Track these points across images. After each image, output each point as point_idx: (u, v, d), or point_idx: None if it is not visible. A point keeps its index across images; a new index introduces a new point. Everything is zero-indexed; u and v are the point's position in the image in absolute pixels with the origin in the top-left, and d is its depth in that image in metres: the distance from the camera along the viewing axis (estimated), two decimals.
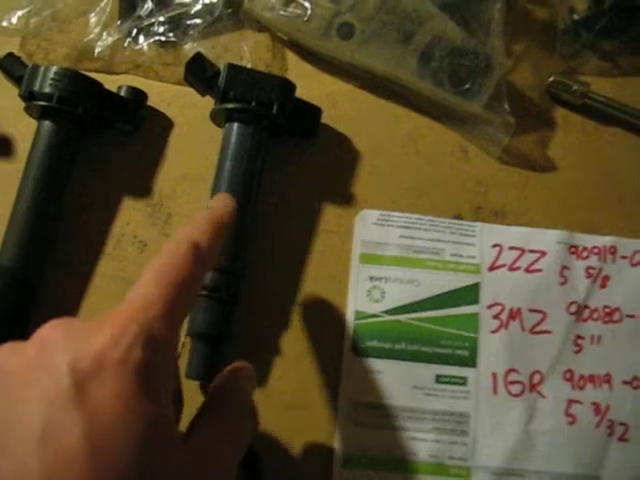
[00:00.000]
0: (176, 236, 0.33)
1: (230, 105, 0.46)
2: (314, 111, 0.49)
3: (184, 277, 0.30)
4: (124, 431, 0.25)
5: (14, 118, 0.51)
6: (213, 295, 0.44)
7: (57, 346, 0.27)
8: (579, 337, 0.46)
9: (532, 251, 0.48)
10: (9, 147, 0.50)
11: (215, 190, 0.46)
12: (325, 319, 0.46)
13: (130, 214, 0.49)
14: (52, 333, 0.28)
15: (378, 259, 0.47)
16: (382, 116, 0.51)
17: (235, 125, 0.46)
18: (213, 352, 0.44)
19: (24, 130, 0.50)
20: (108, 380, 0.25)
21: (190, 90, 0.50)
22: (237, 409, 0.34)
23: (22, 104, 0.48)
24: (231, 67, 0.46)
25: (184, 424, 0.32)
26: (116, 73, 0.52)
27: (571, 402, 0.45)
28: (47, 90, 0.47)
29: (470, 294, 0.47)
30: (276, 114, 0.46)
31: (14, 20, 0.51)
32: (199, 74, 0.46)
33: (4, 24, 0.52)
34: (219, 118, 0.47)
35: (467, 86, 0.49)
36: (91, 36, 0.52)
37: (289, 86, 0.47)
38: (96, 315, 0.42)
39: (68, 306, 0.47)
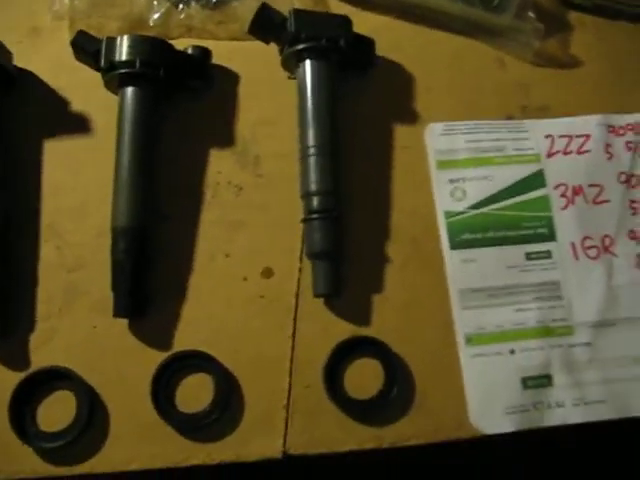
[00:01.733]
0: None
1: (303, 45, 0.50)
2: (369, 43, 0.54)
3: None
4: None
5: (84, 96, 0.54)
6: (326, 216, 0.48)
7: None
8: (633, 202, 0.54)
9: (578, 136, 0.55)
10: (86, 124, 0.53)
11: (304, 126, 0.50)
12: (420, 223, 0.51)
13: (220, 163, 0.52)
14: None
15: (453, 163, 0.53)
16: (423, 42, 0.57)
17: (308, 63, 0.51)
18: (334, 267, 0.48)
19: (95, 106, 0.54)
20: None
21: (246, 44, 0.54)
22: None
23: (89, 81, 0.52)
24: (297, 12, 0.50)
25: None
26: (171, 38, 0.54)
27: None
28: (128, 58, 0.49)
29: (537, 180, 0.53)
30: (344, 47, 0.50)
31: (65, 1, 0.53)
32: (267, 24, 0.50)
33: (55, 7, 0.53)
34: (290, 61, 0.51)
35: (495, 2, 0.55)
36: (141, 7, 0.54)
37: (349, 22, 0.52)
38: (211, 262, 0.49)
39: (183, 253, 0.51)
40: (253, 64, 0.55)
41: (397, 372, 0.48)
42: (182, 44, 0.54)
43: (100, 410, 0.47)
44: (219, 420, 0.46)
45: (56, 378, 0.47)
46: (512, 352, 0.49)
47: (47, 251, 0.50)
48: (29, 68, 0.54)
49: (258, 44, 0.53)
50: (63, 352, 0.48)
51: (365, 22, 0.56)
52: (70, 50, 0.52)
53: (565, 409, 0.48)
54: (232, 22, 0.54)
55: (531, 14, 0.55)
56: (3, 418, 0.45)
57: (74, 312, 0.49)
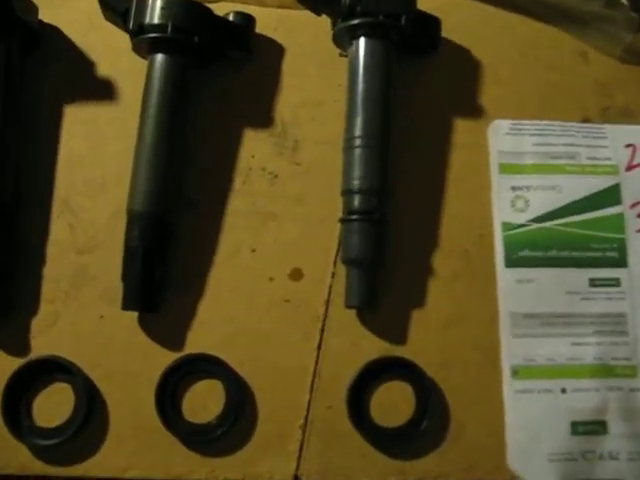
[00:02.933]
0: None
1: (358, 20, 0.44)
2: (434, 22, 0.48)
3: None
4: None
5: (112, 59, 0.49)
6: (366, 218, 0.42)
7: None
8: None
9: None
10: (111, 91, 0.47)
11: (352, 113, 0.44)
12: (474, 234, 0.45)
13: (254, 145, 0.47)
14: None
15: (517, 168, 0.46)
16: (495, 24, 0.50)
17: (363, 41, 0.45)
18: (371, 277, 0.43)
19: (123, 71, 0.49)
20: None
21: (295, 13, 0.48)
22: None
23: (119, 43, 0.47)
24: None
25: None
26: (211, 2, 0.49)
27: None
28: (160, 21, 0.44)
29: (612, 195, 0.46)
30: (404, 26, 0.44)
31: None
32: None
33: None
34: (343, 37, 0.45)
35: None
36: None
37: None
38: (235, 256, 0.42)
39: (205, 245, 0.46)
40: (301, 37, 0.49)
41: (431, 400, 0.43)
42: (223, 9, 0.48)
43: (100, 408, 0.43)
44: (227, 434, 0.42)
45: (55, 369, 0.43)
46: (563, 391, 0.43)
47: (58, 228, 0.46)
48: (55, 23, 0.49)
49: (308, 14, 0.47)
50: (65, 340, 0.44)
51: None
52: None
53: (619, 463, 0.42)
54: None
55: (625, 2, 0.47)
56: None
57: (81, 298, 0.45)
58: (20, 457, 0.42)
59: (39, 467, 0.42)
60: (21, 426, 0.43)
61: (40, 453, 0.42)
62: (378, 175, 0.43)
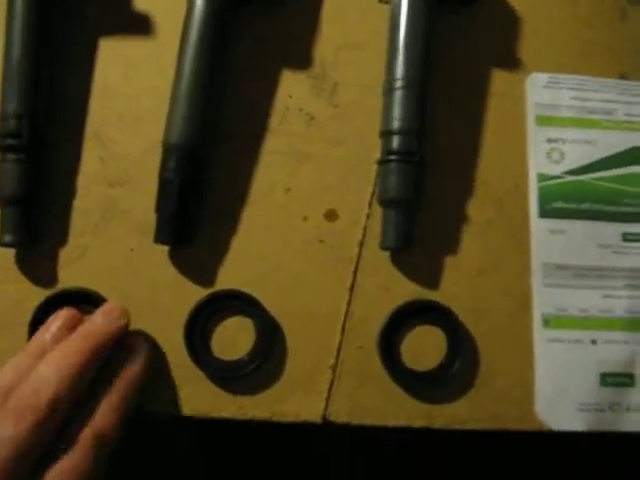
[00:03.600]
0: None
1: None
2: None
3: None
4: None
5: None
6: (406, 159, 0.42)
7: None
8: None
9: None
10: (148, 24, 0.47)
11: (393, 56, 0.44)
12: (509, 183, 0.45)
13: (292, 86, 0.46)
14: None
15: (554, 121, 0.46)
16: None
17: None
18: (408, 219, 0.42)
19: (161, 5, 0.48)
20: None
21: None
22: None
23: None
24: None
25: None
26: None
27: None
28: None
29: None
30: None
31: None
32: None
33: None
34: None
35: None
36: None
37: None
38: (270, 195, 0.41)
39: (239, 181, 0.45)
40: None
41: (462, 346, 0.42)
42: None
43: None
44: (257, 372, 0.41)
45: (83, 302, 0.42)
46: (594, 342, 0.43)
47: (89, 159, 0.45)
48: None
49: None
50: (93, 273, 0.43)
51: None
52: None
53: None
54: None
55: None
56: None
57: (111, 231, 0.44)
58: None
59: None
60: None
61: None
62: (418, 117, 0.43)
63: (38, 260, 0.43)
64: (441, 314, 0.42)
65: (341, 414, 0.41)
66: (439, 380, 0.42)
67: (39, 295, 0.42)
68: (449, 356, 0.42)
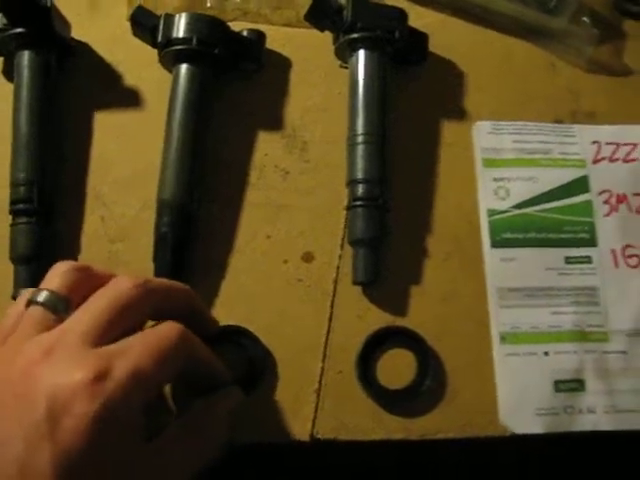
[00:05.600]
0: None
1: (358, 35, 0.50)
2: (422, 37, 0.54)
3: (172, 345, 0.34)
4: (90, 463, 0.28)
5: (138, 71, 0.55)
6: (370, 204, 0.48)
7: (40, 380, 0.29)
8: None
9: (625, 144, 0.55)
10: (138, 98, 0.53)
11: (354, 114, 0.51)
12: (463, 219, 0.52)
13: (267, 146, 0.53)
14: (39, 365, 0.30)
15: (499, 162, 0.53)
16: (476, 40, 0.57)
17: (362, 53, 0.51)
18: (375, 256, 0.49)
19: (148, 82, 0.55)
20: (76, 416, 0.28)
21: (300, 30, 0.55)
22: (206, 422, 0.37)
23: (144, 57, 0.53)
24: (355, 1, 0.50)
25: None
26: (227, 21, 0.55)
27: None
28: (185, 35, 0.50)
29: (581, 185, 0.53)
30: (398, 40, 0.51)
31: None
32: (324, 11, 0.51)
33: None
34: (344, 50, 0.52)
35: (553, 3, 0.55)
36: None
37: (404, 15, 0.52)
38: (252, 243, 0.47)
39: (225, 232, 0.51)
40: (306, 51, 0.55)
41: (430, 365, 0.48)
42: (237, 27, 0.54)
43: None
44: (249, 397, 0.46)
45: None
46: (546, 354, 0.49)
47: (92, 221, 0.51)
48: (85, 40, 0.54)
49: (312, 31, 0.54)
50: None
51: (420, 17, 0.56)
52: (126, 25, 0.52)
53: (596, 415, 0.47)
54: (288, 8, 0.54)
55: (586, 20, 0.55)
56: None
57: None
58: None
59: None
60: None
61: None
62: (379, 166, 0.49)
63: None
64: (410, 338, 0.48)
65: (327, 432, 0.46)
66: (412, 396, 0.47)
67: None
68: (419, 374, 0.48)
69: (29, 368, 0.30)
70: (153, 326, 0.37)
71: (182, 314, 0.38)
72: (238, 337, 0.48)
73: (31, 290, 0.36)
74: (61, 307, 0.35)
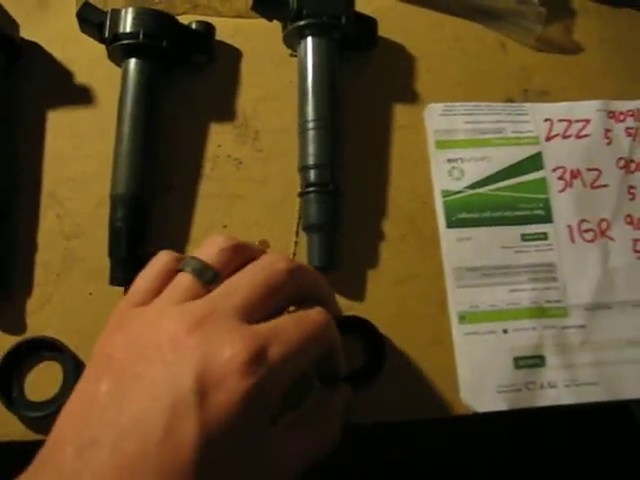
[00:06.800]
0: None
1: (304, 22, 0.51)
2: (371, 22, 0.54)
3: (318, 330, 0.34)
4: (231, 439, 0.29)
5: (88, 68, 0.55)
6: (322, 189, 0.48)
7: (192, 350, 0.30)
8: (631, 187, 0.54)
9: (577, 120, 0.55)
10: (89, 96, 0.53)
11: (303, 101, 0.51)
12: (418, 201, 0.52)
13: (220, 136, 0.53)
14: (191, 335, 0.30)
15: (451, 143, 0.53)
16: (426, 24, 0.57)
17: (310, 40, 0.51)
18: (330, 241, 0.49)
19: (99, 78, 0.55)
20: (227, 392, 0.29)
21: (249, 21, 0.55)
22: (323, 416, 0.38)
23: (94, 54, 0.53)
24: None
25: None
26: (176, 14, 0.55)
27: (636, 241, 0.52)
28: (132, 29, 0.50)
29: (535, 162, 0.53)
30: (346, 25, 0.51)
31: None
32: (270, 0, 0.51)
33: None
34: (292, 38, 0.52)
35: None
36: None
37: (351, 0, 0.52)
38: (208, 233, 0.47)
39: (178, 225, 0.51)
40: (256, 41, 0.55)
41: (384, 349, 0.48)
42: (187, 20, 0.54)
43: None
44: None
45: (45, 348, 0.47)
46: (505, 331, 0.49)
47: (47, 219, 0.51)
48: (35, 40, 0.54)
49: (261, 21, 0.54)
50: (58, 317, 0.48)
51: (369, 3, 0.57)
52: (76, 23, 0.52)
53: (557, 390, 0.48)
54: (236, 0, 0.54)
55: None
56: None
57: (71, 278, 0.49)
58: (12, 427, 0.46)
59: (29, 435, 0.46)
60: (15, 400, 0.46)
61: (30, 423, 0.46)
62: (329, 152, 0.49)
63: (7, 310, 0.48)
64: (360, 325, 0.48)
65: None
66: (368, 379, 0.47)
67: (10, 342, 0.47)
68: (373, 358, 0.48)
69: (180, 336, 0.30)
70: (295, 310, 0.37)
71: (318, 300, 0.37)
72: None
73: (180, 257, 0.36)
74: (210, 277, 0.34)
